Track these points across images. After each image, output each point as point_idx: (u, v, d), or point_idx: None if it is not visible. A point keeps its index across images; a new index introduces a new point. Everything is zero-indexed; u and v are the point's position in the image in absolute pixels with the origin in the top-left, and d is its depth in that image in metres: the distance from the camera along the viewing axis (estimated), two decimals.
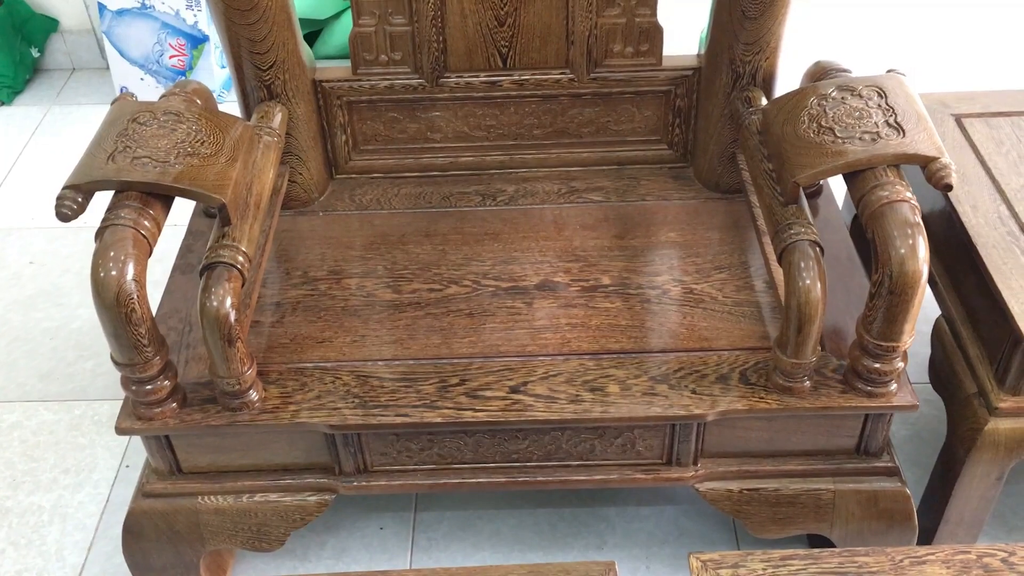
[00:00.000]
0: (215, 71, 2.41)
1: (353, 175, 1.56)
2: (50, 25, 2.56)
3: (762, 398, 1.20)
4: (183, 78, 1.53)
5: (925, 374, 1.39)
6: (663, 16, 1.42)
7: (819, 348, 1.18)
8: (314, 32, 2.54)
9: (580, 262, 1.40)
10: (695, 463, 1.28)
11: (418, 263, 1.41)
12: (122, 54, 2.37)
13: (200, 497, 1.30)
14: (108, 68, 2.49)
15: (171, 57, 2.37)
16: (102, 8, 2.30)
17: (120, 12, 2.30)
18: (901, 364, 1.17)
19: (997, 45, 2.57)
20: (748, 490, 1.29)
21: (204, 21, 2.32)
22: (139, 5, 2.29)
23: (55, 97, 2.54)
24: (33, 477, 1.60)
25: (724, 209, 1.49)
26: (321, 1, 2.44)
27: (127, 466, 1.61)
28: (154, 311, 1.34)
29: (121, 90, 2.45)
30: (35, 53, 2.57)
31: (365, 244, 1.45)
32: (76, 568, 1.47)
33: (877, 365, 1.16)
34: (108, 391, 1.74)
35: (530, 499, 1.53)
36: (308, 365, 1.27)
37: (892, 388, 1.19)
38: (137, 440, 1.60)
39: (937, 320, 1.33)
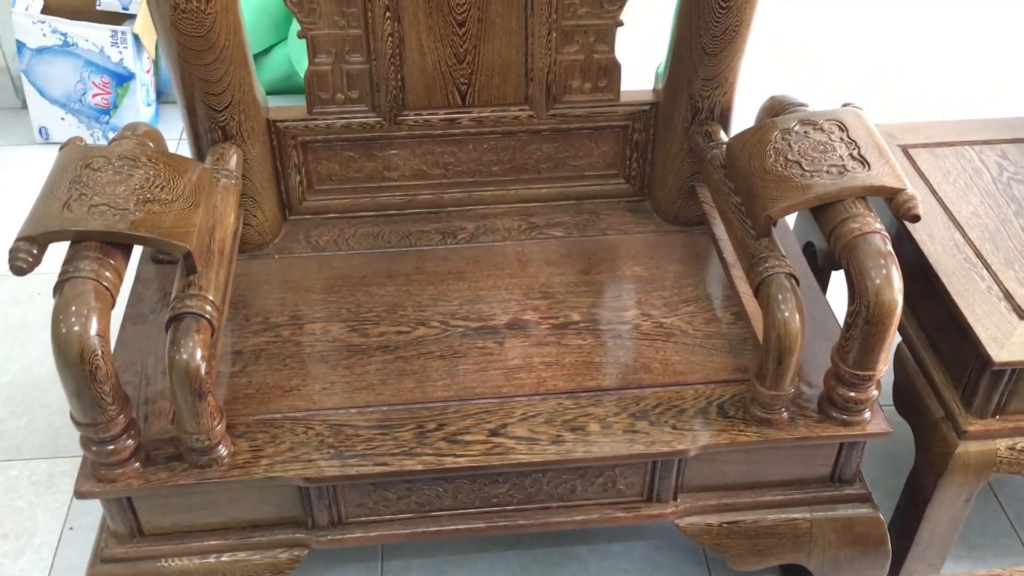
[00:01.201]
0: (141, 109, 2.33)
1: (308, 216, 1.52)
2: None
3: (742, 431, 1.21)
4: (134, 121, 1.46)
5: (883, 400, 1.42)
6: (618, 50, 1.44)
7: (797, 380, 1.19)
8: None
9: (548, 299, 1.39)
10: (675, 499, 1.28)
11: (383, 305, 1.38)
12: (42, 93, 2.27)
13: (163, 560, 1.23)
14: (25, 108, 2.38)
15: (95, 96, 2.28)
16: (20, 46, 2.21)
17: (40, 50, 2.21)
18: (875, 392, 1.19)
19: (930, 72, 2.68)
20: (727, 523, 1.29)
21: (130, 58, 2.25)
22: (60, 43, 2.20)
23: None
24: None
25: (684, 242, 1.50)
26: (251, 36, 2.38)
27: (71, 528, 1.52)
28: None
29: (40, 130, 2.35)
30: None
31: (325, 287, 1.41)
32: None
33: (853, 394, 1.18)
34: (45, 449, 1.65)
35: (501, 541, 1.50)
36: (277, 416, 1.22)
37: (866, 416, 1.21)
38: (81, 501, 1.51)
39: (899, 346, 1.36)
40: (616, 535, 1.51)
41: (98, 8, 2.23)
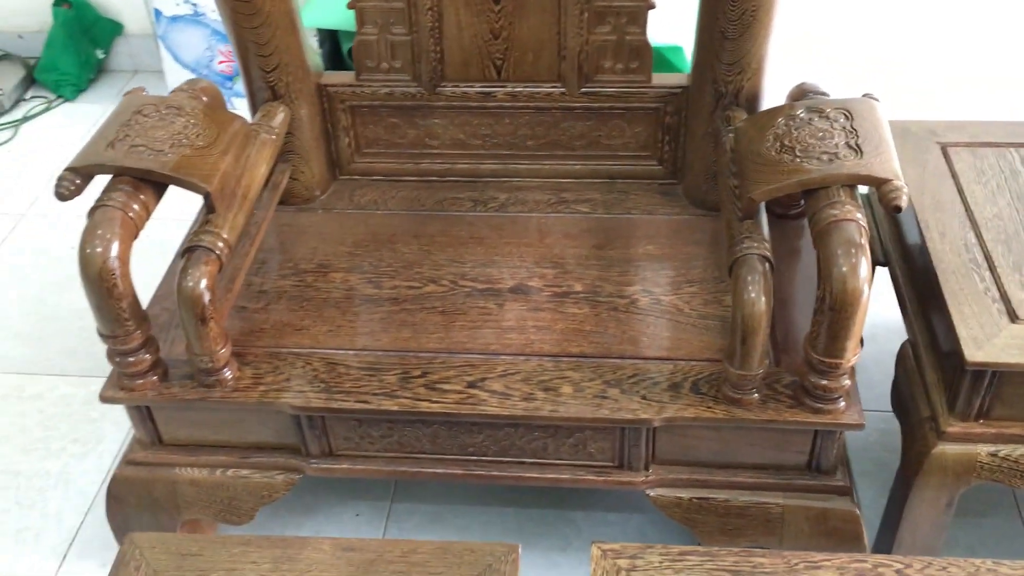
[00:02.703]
0: None
1: (356, 176, 1.63)
2: (115, 29, 2.72)
3: (709, 407, 1.23)
4: (195, 77, 1.62)
5: None
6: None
7: (766, 361, 1.20)
8: None
9: (556, 268, 1.44)
10: (646, 468, 1.31)
11: (402, 262, 1.47)
12: (176, 58, 2.51)
13: (177, 468, 1.37)
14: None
15: (220, 63, 2.50)
16: (158, 14, 2.44)
17: (174, 19, 2.44)
18: (848, 382, 1.18)
19: (936, 62, 2.62)
20: (698, 499, 1.31)
21: None
22: (192, 13, 2.42)
23: (115, 96, 2.69)
24: (45, 445, 1.71)
25: (708, 226, 1.51)
26: None
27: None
28: (152, 293, 1.44)
29: None
30: (100, 54, 2.73)
31: (356, 242, 1.52)
32: (72, 530, 1.56)
33: (824, 382, 1.18)
34: None
35: (500, 498, 1.57)
36: (283, 350, 1.34)
37: (840, 405, 1.20)
38: None
39: (903, 345, 1.34)
40: (612, 505, 1.55)
41: None
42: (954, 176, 1.39)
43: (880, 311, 1.60)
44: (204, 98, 1.42)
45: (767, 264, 1.17)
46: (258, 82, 1.48)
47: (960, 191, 1.36)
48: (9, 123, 2.58)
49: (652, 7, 1.43)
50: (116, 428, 1.73)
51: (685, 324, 1.34)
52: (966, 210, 1.33)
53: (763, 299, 1.14)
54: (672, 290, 1.40)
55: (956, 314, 1.17)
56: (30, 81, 2.71)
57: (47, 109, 2.63)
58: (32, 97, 2.68)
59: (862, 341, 1.16)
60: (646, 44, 1.46)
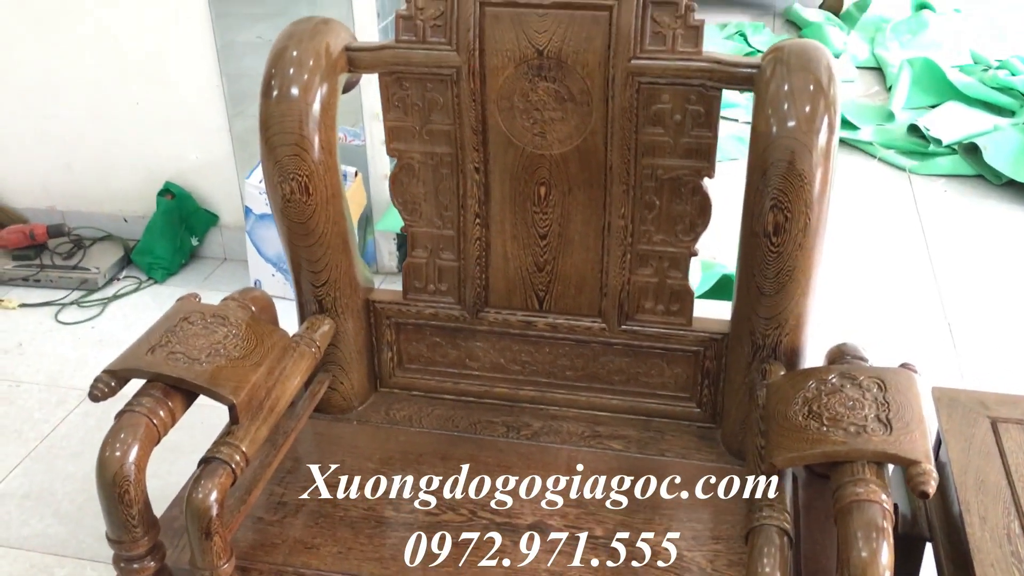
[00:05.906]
0: None
1: (396, 389, 1.65)
2: (211, 220, 2.89)
3: None
4: (249, 287, 1.69)
5: None
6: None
7: None
8: None
9: (579, 508, 1.40)
10: None
11: (425, 485, 1.45)
12: (259, 252, 2.64)
13: None
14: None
15: None
16: (248, 211, 2.60)
17: (261, 216, 2.58)
18: None
19: None
20: None
21: None
22: None
23: (202, 282, 2.83)
24: None
25: (742, 477, 1.46)
26: None
27: None
28: (174, 494, 1.45)
29: (255, 282, 2.71)
30: (194, 242, 2.90)
31: (383, 459, 1.51)
32: None
33: None
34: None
35: None
36: (289, 569, 1.32)
37: None
38: None
39: None
40: None
41: None
42: (1002, 455, 1.31)
43: None
44: (253, 308, 1.47)
45: (785, 537, 1.11)
46: (307, 295, 1.53)
47: (1008, 473, 1.28)
48: (99, 300, 2.73)
49: (695, 254, 1.45)
50: None
51: None
52: (1013, 495, 1.24)
53: (777, 575, 1.08)
54: (696, 545, 1.33)
55: None
56: (126, 262, 2.89)
57: (136, 289, 2.79)
58: (126, 276, 2.85)
59: None
60: (687, 289, 1.47)
